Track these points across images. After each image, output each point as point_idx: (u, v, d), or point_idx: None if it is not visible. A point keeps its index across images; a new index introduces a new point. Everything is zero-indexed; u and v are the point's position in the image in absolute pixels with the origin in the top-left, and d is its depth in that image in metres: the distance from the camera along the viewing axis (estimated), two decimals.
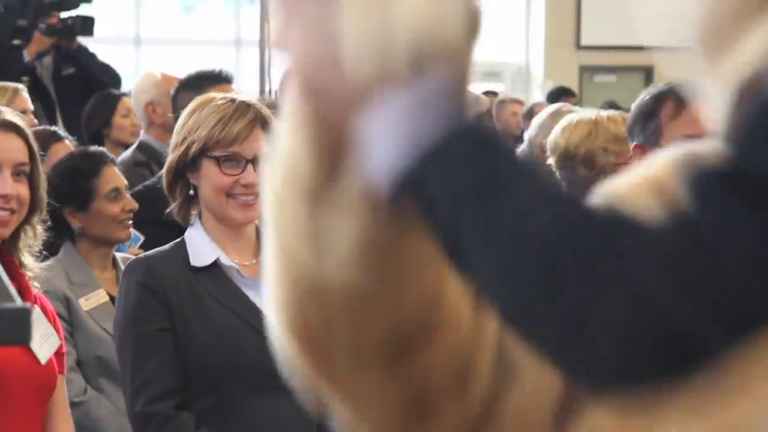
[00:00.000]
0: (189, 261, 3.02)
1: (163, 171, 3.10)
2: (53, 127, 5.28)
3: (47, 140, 4.54)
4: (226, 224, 3.08)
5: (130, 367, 2.98)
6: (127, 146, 6.15)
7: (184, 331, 2.95)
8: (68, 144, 4.80)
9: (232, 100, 3.06)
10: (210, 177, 3.03)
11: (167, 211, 3.13)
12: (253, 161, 3.02)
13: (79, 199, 3.91)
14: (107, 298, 3.83)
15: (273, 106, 3.14)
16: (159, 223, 3.66)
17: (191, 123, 3.03)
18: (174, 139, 3.08)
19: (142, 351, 2.96)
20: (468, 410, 1.13)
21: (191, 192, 3.06)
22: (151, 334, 2.96)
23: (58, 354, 3.01)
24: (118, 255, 4.04)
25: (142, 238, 4.28)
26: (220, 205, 3.05)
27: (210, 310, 2.98)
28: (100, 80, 7.36)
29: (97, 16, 7.58)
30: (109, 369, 3.74)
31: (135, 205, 3.99)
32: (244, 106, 3.04)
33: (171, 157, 3.06)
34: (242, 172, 3.02)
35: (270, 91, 6.56)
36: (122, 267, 3.93)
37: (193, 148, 3.01)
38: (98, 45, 7.99)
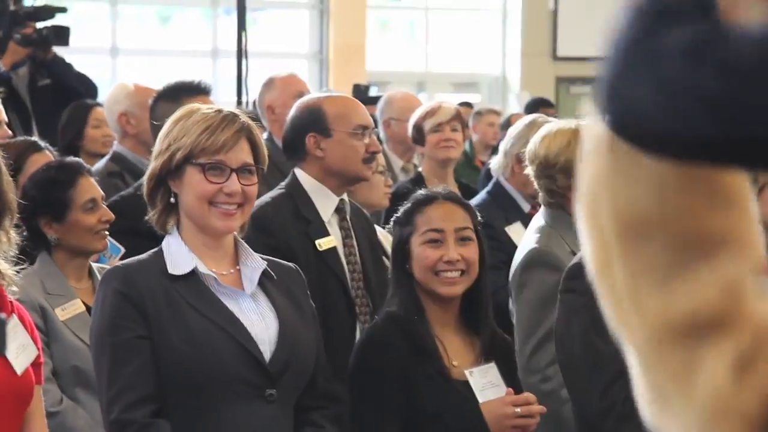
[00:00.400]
0: (166, 269, 3.02)
1: (144, 178, 3.11)
2: (33, 138, 5.27)
3: (26, 151, 4.53)
4: (207, 233, 3.08)
5: (106, 375, 2.98)
6: (102, 156, 6.13)
7: (160, 339, 2.95)
8: (48, 154, 4.78)
9: (219, 110, 3.09)
10: (193, 184, 3.03)
11: (146, 218, 3.13)
12: (238, 171, 3.03)
13: (55, 209, 3.89)
14: (83, 309, 3.82)
15: (251, 117, 3.16)
16: (135, 233, 3.66)
17: (176, 131, 3.04)
18: (157, 146, 3.08)
19: (119, 358, 2.96)
20: None
21: (172, 200, 3.06)
22: (128, 341, 2.96)
23: (35, 364, 3.00)
24: (96, 265, 4.03)
25: (122, 250, 4.27)
26: (202, 214, 3.05)
27: (187, 319, 2.98)
28: (77, 90, 7.32)
29: (73, 26, 7.55)
30: (85, 379, 3.73)
31: (111, 216, 3.98)
32: (231, 116, 3.06)
33: (154, 164, 3.06)
34: (226, 180, 3.03)
35: (247, 102, 6.56)
36: (99, 277, 3.92)
37: (178, 155, 3.02)
38: (75, 55, 7.96)
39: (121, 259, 4.30)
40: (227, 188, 3.02)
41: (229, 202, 3.03)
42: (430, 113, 6.01)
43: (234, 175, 3.03)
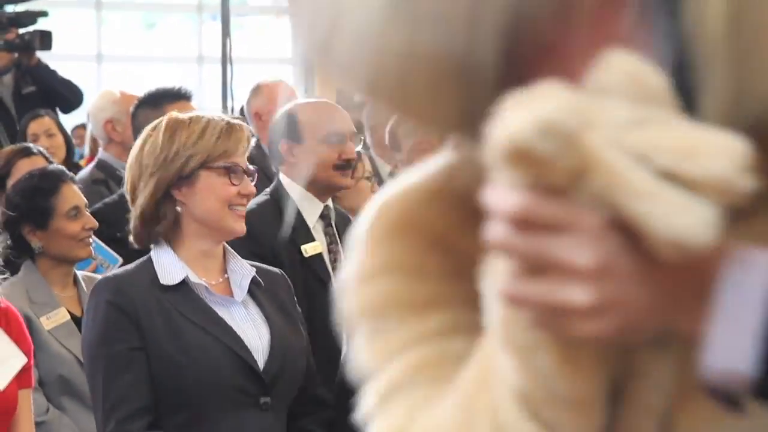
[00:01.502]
0: (157, 280, 3.01)
1: (146, 192, 3.07)
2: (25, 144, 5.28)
3: (15, 156, 4.53)
4: (220, 237, 3.11)
5: (101, 387, 2.96)
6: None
7: (155, 349, 2.94)
8: (40, 159, 4.79)
9: (215, 118, 3.11)
10: (215, 188, 3.04)
11: (139, 230, 3.12)
12: (248, 173, 3.10)
13: (39, 217, 3.88)
14: (68, 317, 3.81)
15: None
16: (119, 241, 3.65)
17: (184, 138, 3.03)
18: (158, 156, 3.05)
19: (114, 370, 2.95)
20: None
21: (178, 208, 3.06)
22: (122, 353, 2.95)
23: (24, 369, 2.99)
24: (81, 273, 4.01)
25: (120, 260, 4.25)
26: (222, 216, 3.07)
27: (180, 328, 2.97)
28: (62, 96, 7.32)
29: (58, 33, 7.54)
30: (70, 388, 3.72)
31: (95, 224, 3.96)
32: (235, 122, 3.11)
33: (159, 175, 3.04)
34: (241, 182, 3.07)
35: (232, 108, 6.55)
36: (83, 285, 3.90)
37: (193, 162, 3.03)
38: (60, 62, 7.95)
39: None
40: (244, 189, 3.08)
41: (243, 204, 3.09)
42: None
43: (246, 177, 3.09)
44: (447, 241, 1.17)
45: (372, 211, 1.22)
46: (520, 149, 0.88)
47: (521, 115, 0.88)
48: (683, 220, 0.86)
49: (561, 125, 0.87)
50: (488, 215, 0.93)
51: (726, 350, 0.91)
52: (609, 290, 0.90)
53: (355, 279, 1.20)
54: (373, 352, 1.17)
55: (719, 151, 0.87)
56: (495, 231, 0.92)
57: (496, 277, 0.97)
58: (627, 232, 0.89)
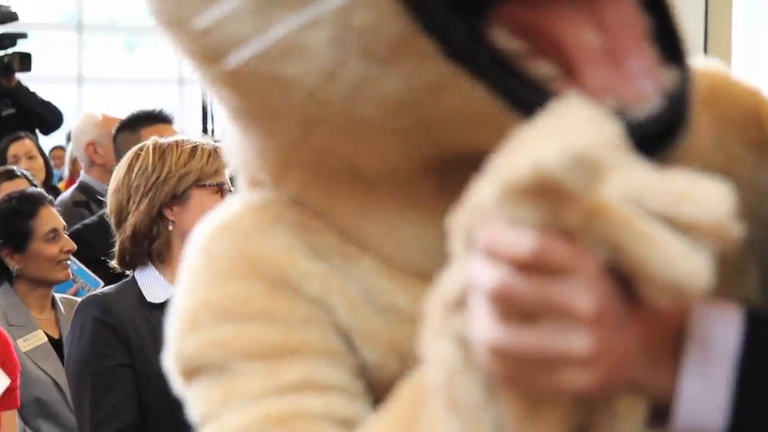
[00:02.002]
0: (143, 297, 3.02)
1: (138, 213, 3.08)
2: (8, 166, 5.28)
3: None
4: None
5: (88, 404, 2.95)
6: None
7: (142, 366, 2.94)
8: (23, 182, 4.80)
9: (200, 143, 3.15)
10: (208, 205, 3.05)
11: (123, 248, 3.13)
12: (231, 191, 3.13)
13: (17, 240, 3.88)
14: (46, 339, 3.80)
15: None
16: (99, 262, 3.64)
17: (175, 158, 3.07)
18: (149, 176, 3.08)
19: (101, 387, 2.95)
20: None
21: (170, 227, 3.08)
22: (111, 369, 2.95)
23: (9, 389, 2.99)
24: (59, 296, 4.01)
25: (101, 284, 4.23)
26: None
27: None
28: (42, 118, 7.31)
29: (39, 55, 7.54)
30: (47, 410, 3.71)
31: (73, 246, 3.96)
32: (214, 147, 3.13)
33: (152, 194, 3.07)
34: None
35: (212, 130, 6.55)
36: (61, 307, 3.90)
37: (186, 181, 3.06)
38: (40, 84, 7.95)
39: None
40: None
41: None
42: None
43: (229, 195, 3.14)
44: (290, 280, 1.07)
45: (199, 246, 1.12)
46: (547, 181, 0.78)
47: (549, 143, 0.79)
48: (685, 265, 0.83)
49: (596, 158, 0.79)
50: (479, 255, 0.83)
51: (696, 405, 0.89)
52: (604, 339, 0.83)
53: (191, 323, 1.10)
54: (213, 397, 1.06)
55: (709, 197, 0.84)
56: (493, 275, 0.82)
57: (455, 326, 0.87)
58: (617, 277, 0.85)
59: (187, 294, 1.11)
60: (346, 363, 1.04)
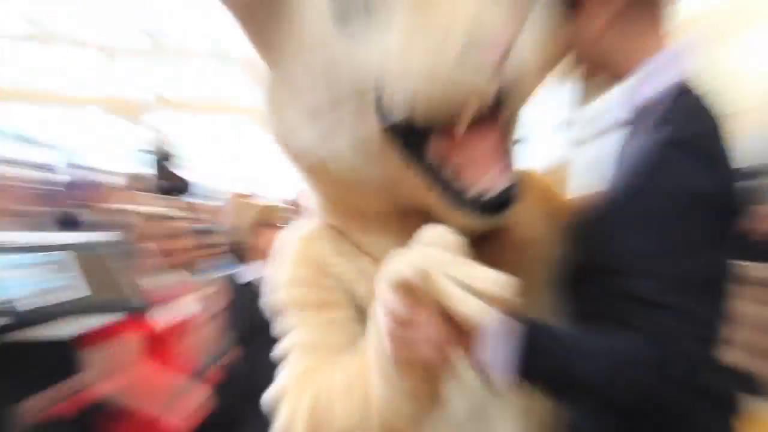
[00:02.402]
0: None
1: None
2: None
3: None
4: None
5: None
6: None
7: None
8: None
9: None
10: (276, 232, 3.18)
11: None
12: None
13: None
14: None
15: None
16: None
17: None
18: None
19: None
20: None
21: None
22: None
23: None
24: None
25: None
26: None
27: None
28: None
29: None
30: None
31: None
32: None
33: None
34: None
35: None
36: None
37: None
38: None
39: None
40: None
41: None
42: None
43: None
44: (326, 267, 1.89)
45: (286, 246, 1.92)
46: (402, 282, 1.57)
47: (403, 261, 1.57)
48: (476, 311, 1.57)
49: (425, 271, 1.56)
50: (381, 297, 1.61)
51: (488, 359, 1.66)
52: (438, 339, 1.62)
53: (280, 285, 1.90)
54: (287, 323, 1.88)
55: (490, 277, 1.57)
56: (385, 304, 1.59)
57: (379, 322, 1.65)
58: (447, 317, 1.61)
59: (278, 272, 1.97)
60: (350, 311, 1.91)
